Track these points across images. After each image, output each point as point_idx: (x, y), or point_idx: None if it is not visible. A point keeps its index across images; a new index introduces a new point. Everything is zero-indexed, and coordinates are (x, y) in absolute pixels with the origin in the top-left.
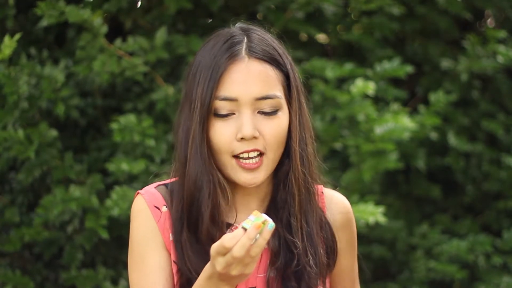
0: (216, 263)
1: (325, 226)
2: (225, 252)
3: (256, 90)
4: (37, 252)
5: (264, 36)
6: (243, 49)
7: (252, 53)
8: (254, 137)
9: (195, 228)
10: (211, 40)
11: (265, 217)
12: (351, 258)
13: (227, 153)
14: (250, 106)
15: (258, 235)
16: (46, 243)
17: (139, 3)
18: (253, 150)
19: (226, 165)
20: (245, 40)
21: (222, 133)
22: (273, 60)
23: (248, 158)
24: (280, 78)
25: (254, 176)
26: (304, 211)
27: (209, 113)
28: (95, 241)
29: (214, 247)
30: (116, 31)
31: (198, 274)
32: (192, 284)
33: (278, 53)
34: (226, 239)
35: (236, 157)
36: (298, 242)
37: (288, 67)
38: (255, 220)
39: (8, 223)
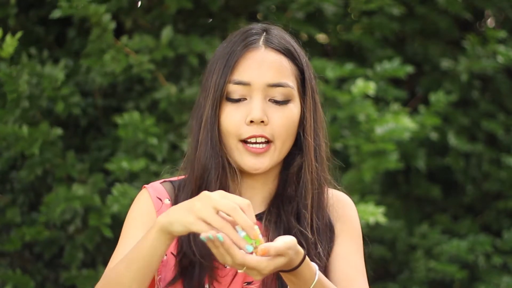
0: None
1: (329, 225)
2: (228, 197)
3: (269, 76)
4: (37, 252)
5: (282, 34)
6: (261, 39)
7: (269, 43)
8: (262, 122)
9: None
10: (231, 35)
11: (260, 240)
12: (348, 245)
13: (235, 136)
14: (261, 92)
15: (243, 233)
16: (46, 243)
17: (139, 3)
18: (261, 136)
19: (234, 149)
20: (264, 33)
21: (232, 117)
22: (289, 53)
23: (256, 143)
24: (295, 72)
25: (259, 161)
26: (316, 205)
27: (222, 97)
28: (97, 241)
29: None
30: (116, 31)
31: (202, 257)
32: (194, 267)
33: (295, 49)
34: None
35: (244, 141)
36: (309, 234)
37: (304, 64)
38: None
39: (10, 222)
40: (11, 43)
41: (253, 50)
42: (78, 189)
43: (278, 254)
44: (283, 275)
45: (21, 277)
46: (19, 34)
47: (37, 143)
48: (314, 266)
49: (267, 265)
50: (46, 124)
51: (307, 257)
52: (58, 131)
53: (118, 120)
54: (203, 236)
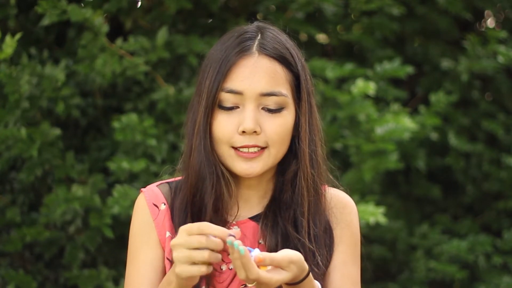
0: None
1: (328, 230)
2: (193, 232)
3: (262, 85)
4: (38, 252)
5: (278, 36)
6: (255, 45)
7: (262, 49)
8: (255, 132)
9: (198, 218)
10: (226, 36)
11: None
12: (344, 255)
13: (227, 144)
14: (254, 101)
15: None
16: (46, 243)
17: (139, 3)
18: (254, 146)
19: (225, 155)
20: (258, 37)
21: (224, 126)
22: (283, 59)
23: (248, 153)
24: (289, 77)
25: (251, 165)
26: (312, 212)
27: (214, 105)
28: (98, 242)
29: (186, 226)
30: (116, 31)
31: None
32: None
33: (290, 53)
34: (205, 224)
35: (235, 148)
36: (306, 241)
37: (299, 68)
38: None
39: (10, 223)
40: (10, 44)
41: (247, 57)
42: (78, 190)
43: (281, 267)
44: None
45: (23, 277)
46: (18, 35)
47: (35, 145)
48: (317, 284)
49: (276, 280)
50: (46, 124)
51: (310, 274)
52: (57, 131)
53: (115, 124)
54: (228, 240)
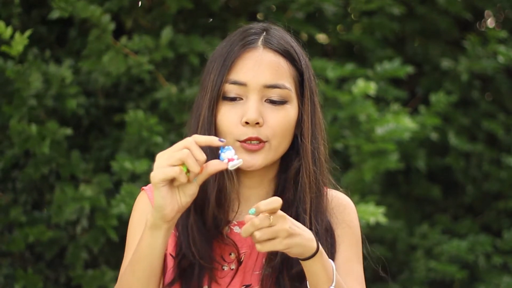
0: None
1: (329, 230)
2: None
3: (266, 77)
4: (38, 252)
5: (283, 35)
6: (260, 39)
7: (267, 44)
8: (258, 124)
9: (201, 211)
10: (230, 34)
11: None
12: (347, 253)
13: (231, 137)
14: (258, 93)
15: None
16: (47, 243)
17: (140, 3)
18: (256, 139)
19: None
20: (264, 33)
21: (228, 117)
22: (288, 54)
23: (251, 144)
24: (293, 73)
25: (252, 158)
26: (314, 209)
27: (219, 97)
28: (102, 242)
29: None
30: (117, 30)
31: (202, 258)
32: (193, 268)
33: (295, 51)
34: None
35: (240, 142)
36: None
37: (303, 66)
38: None
39: (13, 222)
40: (20, 41)
41: (251, 50)
42: (86, 190)
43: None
44: (305, 265)
45: (31, 277)
46: (28, 32)
47: (46, 141)
48: (331, 262)
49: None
50: (53, 123)
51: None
52: (68, 131)
53: (126, 117)
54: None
